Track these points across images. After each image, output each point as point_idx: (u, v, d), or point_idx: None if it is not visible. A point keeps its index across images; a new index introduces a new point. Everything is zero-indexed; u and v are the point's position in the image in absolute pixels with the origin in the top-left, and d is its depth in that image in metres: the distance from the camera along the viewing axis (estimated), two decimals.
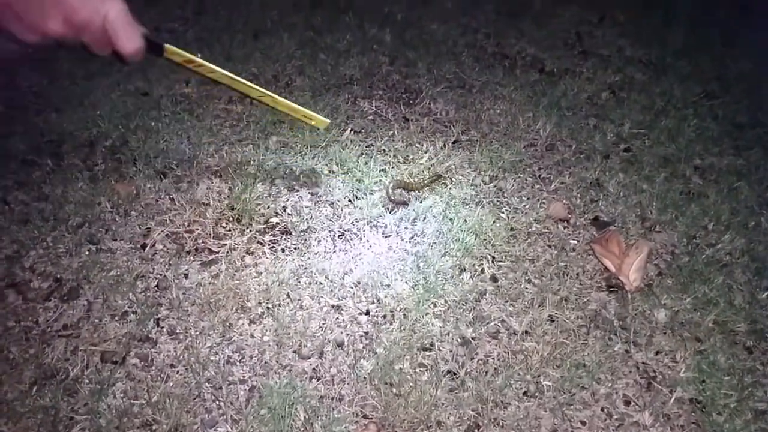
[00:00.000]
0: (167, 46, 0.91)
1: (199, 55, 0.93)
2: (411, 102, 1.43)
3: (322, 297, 1.02)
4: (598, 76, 1.55)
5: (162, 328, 0.97)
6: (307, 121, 1.05)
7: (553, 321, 1.01)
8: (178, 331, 0.96)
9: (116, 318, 0.97)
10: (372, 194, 1.18)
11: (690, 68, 1.60)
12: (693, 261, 1.11)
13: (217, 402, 0.88)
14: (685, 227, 1.17)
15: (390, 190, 1.16)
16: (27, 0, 0.77)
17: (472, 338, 0.98)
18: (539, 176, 1.27)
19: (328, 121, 1.05)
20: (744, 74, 1.61)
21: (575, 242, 1.14)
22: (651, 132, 1.38)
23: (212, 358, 0.93)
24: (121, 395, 0.88)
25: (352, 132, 1.33)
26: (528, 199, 1.21)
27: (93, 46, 0.82)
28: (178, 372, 0.91)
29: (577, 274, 1.08)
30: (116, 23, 0.80)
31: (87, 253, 1.06)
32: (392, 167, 1.25)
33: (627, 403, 0.92)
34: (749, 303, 1.06)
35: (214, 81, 0.99)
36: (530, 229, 1.16)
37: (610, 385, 0.93)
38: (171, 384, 0.89)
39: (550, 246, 1.13)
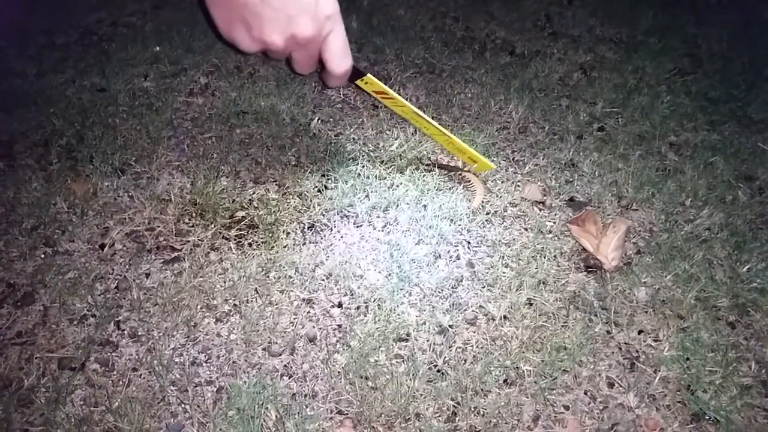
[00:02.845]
0: (368, 75, 0.94)
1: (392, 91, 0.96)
2: None
3: (292, 291, 0.98)
4: (569, 57, 1.52)
5: (123, 330, 0.92)
6: (471, 163, 1.14)
7: (531, 304, 0.97)
8: (140, 333, 0.91)
9: (74, 322, 0.92)
10: (345, 183, 1.14)
11: (661, 45, 1.58)
12: (672, 238, 1.09)
13: (183, 405, 0.83)
14: (663, 204, 1.15)
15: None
16: (262, 10, 0.77)
17: (450, 326, 0.95)
18: (513, 159, 1.24)
19: (494, 166, 1.13)
20: (715, 51, 1.59)
21: (552, 224, 1.11)
22: (624, 110, 1.36)
23: (177, 359, 0.88)
24: (80, 403, 0.83)
25: (319, 121, 1.29)
26: (502, 182, 1.18)
27: (300, 63, 0.84)
28: (140, 375, 0.86)
29: (555, 256, 1.05)
30: (335, 45, 0.82)
31: (42, 256, 1.00)
32: (362, 155, 1.21)
33: (611, 385, 0.89)
34: (730, 278, 1.04)
35: (399, 114, 1.04)
36: (506, 213, 1.12)
37: (592, 367, 0.91)
38: (133, 388, 0.85)
39: (526, 229, 1.10)
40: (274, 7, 0.79)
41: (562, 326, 0.95)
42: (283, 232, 1.06)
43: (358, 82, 0.97)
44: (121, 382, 0.85)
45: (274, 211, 1.08)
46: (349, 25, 1.56)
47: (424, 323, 0.95)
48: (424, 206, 1.11)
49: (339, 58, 0.84)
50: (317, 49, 0.82)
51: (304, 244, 1.05)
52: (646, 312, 0.98)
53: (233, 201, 1.10)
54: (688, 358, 0.92)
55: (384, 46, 1.50)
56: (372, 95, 0.99)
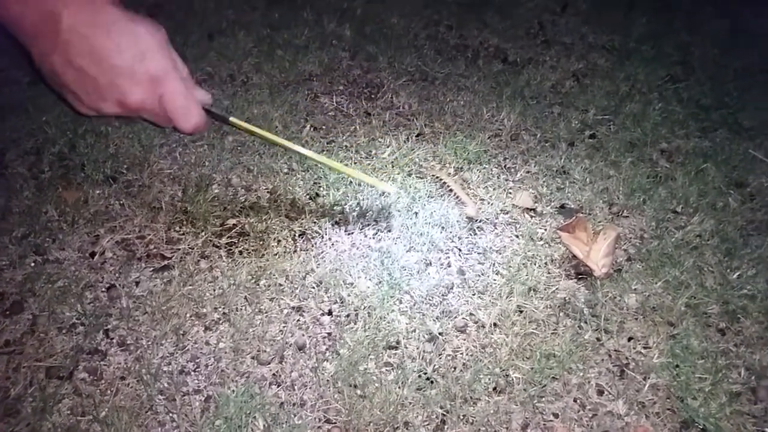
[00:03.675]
0: (232, 119, 0.92)
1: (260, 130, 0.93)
2: (373, 96, 1.40)
3: (282, 299, 0.98)
4: (562, 64, 1.53)
5: (112, 339, 0.91)
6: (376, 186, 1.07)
7: (521, 312, 0.97)
8: (128, 341, 0.91)
9: (63, 331, 0.92)
10: (336, 191, 1.14)
11: (654, 53, 1.59)
12: (662, 244, 1.09)
13: (171, 414, 0.83)
14: (654, 211, 1.15)
15: None
16: (82, 83, 0.76)
17: (440, 334, 0.95)
18: (504, 166, 1.24)
19: (392, 189, 1.07)
20: (708, 58, 1.60)
21: (542, 231, 1.11)
22: (616, 117, 1.36)
23: (165, 368, 0.88)
24: (67, 412, 0.83)
25: (312, 129, 1.29)
26: (494, 189, 1.18)
27: (155, 121, 0.82)
28: (128, 384, 0.86)
29: (545, 263, 1.05)
30: (171, 105, 0.79)
31: (32, 264, 1.00)
32: (354, 163, 1.21)
33: (600, 392, 0.89)
34: (721, 284, 1.04)
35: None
36: (497, 220, 1.12)
37: (581, 374, 0.90)
38: (121, 397, 0.84)
39: (517, 236, 1.10)
40: (93, 80, 0.75)
41: (552, 333, 0.95)
42: (274, 239, 1.06)
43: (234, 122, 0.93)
44: (108, 391, 0.85)
45: (265, 219, 1.08)
46: (343, 33, 1.57)
47: (414, 331, 0.95)
48: (416, 213, 1.11)
49: (181, 117, 0.80)
50: (157, 108, 0.78)
51: (295, 251, 1.04)
52: (636, 319, 0.98)
53: (224, 209, 1.10)
54: (677, 365, 0.91)
55: (377, 54, 1.51)
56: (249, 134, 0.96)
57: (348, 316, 0.96)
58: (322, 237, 1.07)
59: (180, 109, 0.78)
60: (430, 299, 0.99)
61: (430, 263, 1.04)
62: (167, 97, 0.77)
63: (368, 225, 1.09)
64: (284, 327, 0.94)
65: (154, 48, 0.77)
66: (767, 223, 1.15)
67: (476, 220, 1.11)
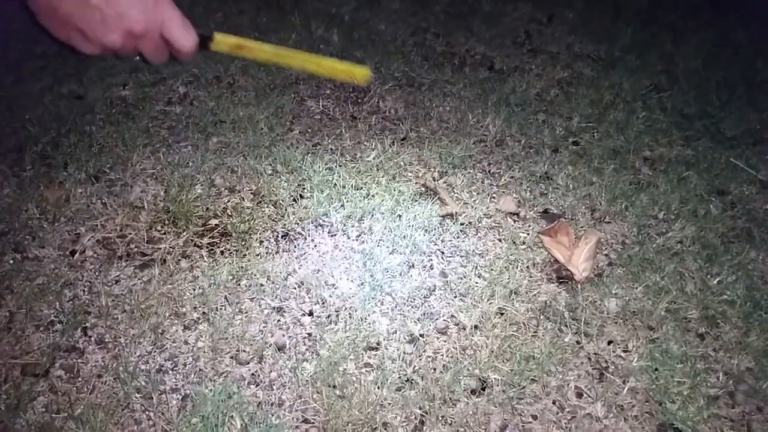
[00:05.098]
0: (216, 34, 0.92)
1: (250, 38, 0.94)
2: (359, 101, 1.40)
3: (262, 299, 0.97)
4: (547, 73, 1.54)
5: (90, 337, 0.91)
6: (350, 78, 1.04)
7: (502, 314, 0.97)
8: (106, 339, 0.90)
9: (41, 328, 0.91)
10: (320, 193, 1.14)
11: (639, 63, 1.60)
12: (644, 250, 1.09)
13: (147, 412, 0.82)
14: (635, 217, 1.16)
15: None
16: (88, 15, 0.77)
17: (421, 335, 0.94)
18: (489, 171, 1.25)
19: (369, 71, 1.03)
20: (691, 69, 1.62)
21: (525, 235, 1.11)
22: (600, 125, 1.37)
23: (142, 366, 0.87)
24: (42, 409, 0.81)
25: (298, 132, 1.29)
26: (478, 194, 1.19)
27: (151, 54, 0.83)
28: (105, 382, 0.85)
29: (527, 267, 1.06)
30: (175, 22, 0.81)
31: (11, 262, 0.99)
32: (339, 166, 1.21)
33: (579, 395, 0.89)
34: (701, 290, 1.04)
35: (262, 61, 0.99)
36: (480, 224, 1.13)
37: (561, 377, 0.90)
38: (97, 395, 0.83)
39: (500, 240, 1.10)
40: (100, 10, 0.78)
41: (532, 336, 0.95)
42: (257, 240, 1.05)
43: (211, 46, 0.94)
44: (85, 389, 0.84)
45: (248, 220, 1.08)
46: (331, 38, 1.57)
47: (395, 332, 0.94)
48: (399, 216, 1.11)
49: (182, 36, 0.83)
50: (158, 35, 0.81)
51: (277, 252, 1.04)
52: (616, 323, 0.98)
53: (207, 209, 1.09)
54: (656, 369, 0.92)
55: (364, 60, 1.51)
56: (230, 54, 0.96)
57: (329, 317, 0.96)
58: (305, 238, 1.07)
59: (182, 28, 0.82)
60: (411, 301, 0.99)
61: (413, 266, 1.04)
62: (168, 23, 0.81)
63: (352, 227, 1.09)
64: (264, 327, 0.94)
65: None
66: (747, 230, 1.16)
67: (455, 218, 1.11)
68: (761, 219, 1.19)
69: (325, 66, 1.01)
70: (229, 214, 1.09)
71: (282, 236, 1.07)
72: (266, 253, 1.04)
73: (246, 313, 0.95)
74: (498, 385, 0.88)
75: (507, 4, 1.80)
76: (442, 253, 1.07)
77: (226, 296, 0.96)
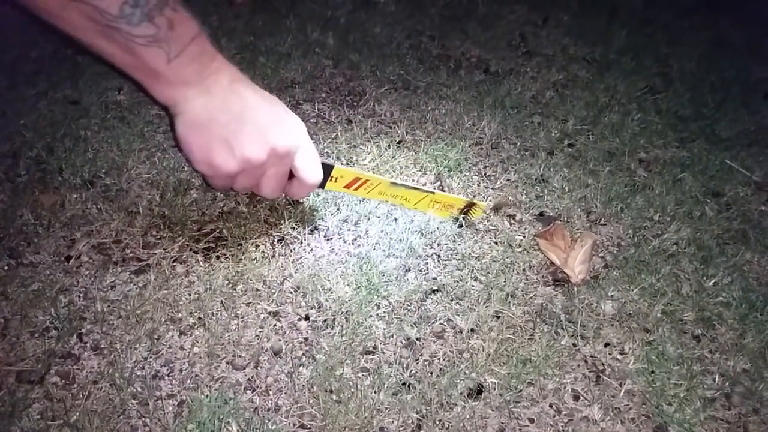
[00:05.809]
0: (336, 167, 0.99)
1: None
2: (355, 104, 1.40)
3: (258, 304, 0.97)
4: (542, 75, 1.54)
5: (85, 343, 0.90)
6: (467, 210, 1.12)
7: (499, 317, 0.97)
8: (102, 345, 0.90)
9: (36, 335, 0.91)
10: (316, 196, 1.14)
11: (634, 65, 1.61)
12: (639, 252, 1.10)
13: (143, 419, 0.82)
14: (631, 219, 1.16)
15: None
16: (242, 129, 0.84)
17: (417, 339, 0.94)
18: (485, 174, 1.25)
19: (483, 205, 1.11)
20: (686, 71, 1.63)
21: (521, 238, 1.11)
22: (595, 127, 1.38)
23: (138, 372, 0.87)
24: (37, 416, 0.81)
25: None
26: (474, 196, 1.19)
27: (273, 181, 0.94)
28: (101, 389, 0.85)
29: (524, 270, 1.06)
30: (311, 153, 0.95)
31: (6, 268, 0.99)
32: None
33: (576, 397, 0.89)
34: (696, 291, 1.04)
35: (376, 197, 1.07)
36: (476, 227, 1.13)
37: (557, 380, 0.91)
38: (93, 401, 0.83)
39: (496, 243, 1.10)
40: (253, 122, 0.86)
41: (529, 339, 0.95)
42: (252, 244, 1.05)
43: (329, 184, 1.01)
44: (80, 395, 0.84)
45: (243, 224, 1.08)
46: (326, 41, 1.57)
47: (392, 336, 0.94)
48: (395, 219, 1.11)
49: (314, 167, 0.91)
50: (291, 162, 0.88)
51: (273, 256, 1.04)
52: (613, 325, 0.98)
53: (203, 214, 1.09)
54: (653, 371, 0.92)
55: (360, 63, 1.51)
56: (349, 193, 1.03)
57: (325, 321, 0.96)
58: (301, 242, 1.07)
59: (315, 160, 0.91)
60: (408, 305, 0.99)
61: (409, 269, 1.04)
62: (305, 148, 0.90)
63: (347, 230, 1.09)
64: (260, 332, 0.93)
65: (288, 109, 0.92)
66: (743, 232, 1.17)
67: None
68: (756, 220, 1.19)
69: (442, 202, 1.07)
70: (225, 218, 1.09)
71: (278, 240, 1.07)
72: (262, 257, 1.04)
73: (242, 318, 0.95)
74: (495, 389, 0.88)
75: (502, 7, 1.80)
76: (438, 256, 1.07)
77: (222, 301, 0.96)
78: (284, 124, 0.87)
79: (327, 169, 1.00)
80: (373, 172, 1.21)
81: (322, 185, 1.03)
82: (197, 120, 0.84)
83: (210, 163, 0.87)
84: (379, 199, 1.05)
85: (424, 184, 1.18)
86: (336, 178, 1.03)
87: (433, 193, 1.07)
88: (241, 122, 0.83)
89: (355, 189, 1.05)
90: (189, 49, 0.79)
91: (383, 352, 0.92)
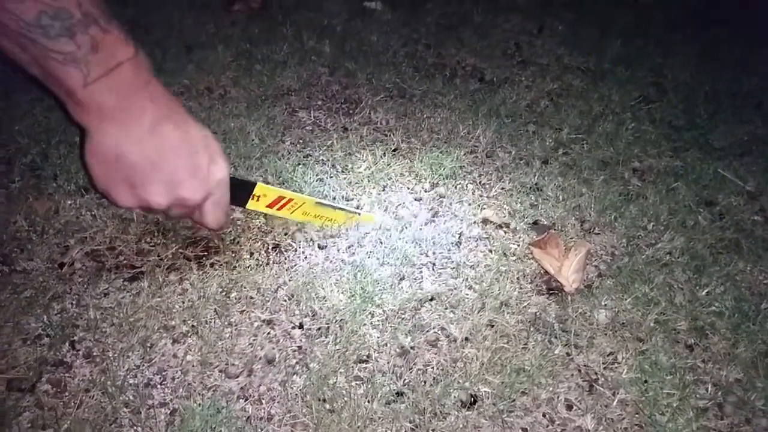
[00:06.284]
0: (259, 184, 0.96)
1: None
2: (350, 112, 1.41)
3: (252, 312, 0.97)
4: (537, 84, 1.55)
5: (78, 351, 0.90)
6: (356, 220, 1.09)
7: (492, 326, 0.98)
8: (95, 353, 0.89)
9: (28, 342, 0.90)
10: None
11: (628, 74, 1.62)
12: (633, 261, 1.10)
13: (135, 427, 0.82)
14: (625, 228, 1.17)
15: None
16: (149, 176, 0.79)
17: (411, 348, 0.94)
18: (480, 182, 1.25)
19: (374, 217, 1.10)
20: (680, 81, 1.64)
21: (515, 246, 1.12)
22: (589, 136, 1.38)
23: (131, 380, 0.86)
24: (28, 425, 0.81)
25: (289, 143, 1.29)
26: (468, 204, 1.19)
27: (176, 216, 0.87)
28: (93, 397, 0.84)
29: (518, 279, 1.06)
30: (221, 204, 0.89)
31: None
32: (330, 177, 1.21)
33: (569, 407, 0.89)
34: (690, 301, 1.05)
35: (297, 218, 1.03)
36: (471, 235, 1.13)
37: (551, 389, 0.91)
38: (85, 410, 0.83)
39: (490, 251, 1.11)
40: (164, 171, 0.79)
41: (523, 348, 0.95)
42: (247, 252, 1.05)
43: (250, 203, 0.99)
44: (72, 404, 0.83)
45: (238, 231, 1.08)
46: (322, 49, 1.58)
47: (386, 345, 0.94)
48: (389, 228, 1.11)
49: (220, 217, 0.88)
50: (196, 207, 0.83)
51: (267, 264, 1.04)
52: (606, 334, 0.99)
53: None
54: (646, 381, 0.92)
55: (356, 71, 1.52)
56: (271, 214, 1.00)
57: (319, 329, 0.95)
58: (296, 250, 1.07)
59: (224, 210, 0.87)
60: (402, 313, 0.99)
61: (403, 278, 1.04)
62: (218, 197, 0.85)
63: (341, 238, 1.09)
64: (254, 340, 0.93)
65: (219, 153, 0.84)
66: (736, 241, 1.17)
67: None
68: (749, 230, 1.20)
69: (364, 220, 1.03)
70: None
71: (273, 248, 1.07)
72: (256, 265, 1.04)
73: (235, 326, 0.95)
74: (488, 398, 0.88)
75: (497, 16, 1.81)
76: (433, 264, 1.07)
77: (215, 309, 0.96)
78: (198, 175, 0.79)
79: (249, 186, 0.97)
80: (368, 180, 1.21)
81: (242, 204, 1.01)
82: (105, 154, 0.77)
83: (108, 195, 0.81)
84: (302, 220, 1.02)
85: (358, 207, 1.16)
86: (258, 197, 0.99)
87: (359, 214, 1.04)
88: (151, 170, 0.76)
89: (278, 209, 1.02)
90: (112, 76, 0.70)
91: (377, 361, 0.92)
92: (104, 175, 0.80)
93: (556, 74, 1.60)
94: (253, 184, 0.98)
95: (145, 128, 0.77)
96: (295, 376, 0.89)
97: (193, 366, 0.89)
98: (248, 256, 1.05)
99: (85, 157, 0.81)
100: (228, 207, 0.84)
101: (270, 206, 0.99)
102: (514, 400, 0.88)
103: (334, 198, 1.15)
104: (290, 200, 0.98)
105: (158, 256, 1.03)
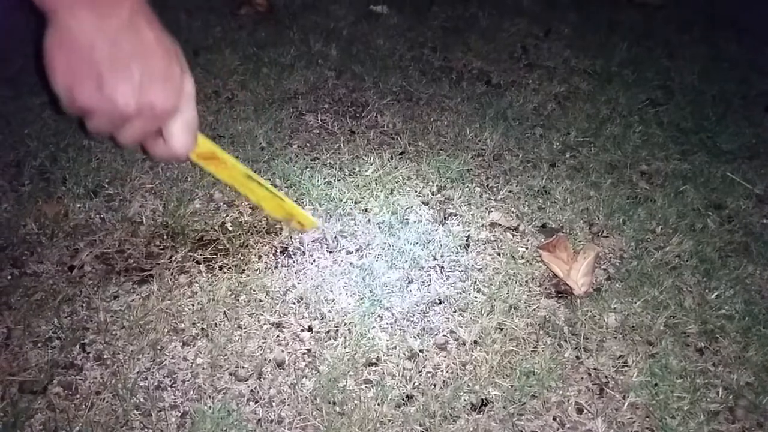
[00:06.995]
0: (198, 134, 0.90)
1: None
2: (357, 115, 1.41)
3: (262, 315, 0.97)
4: (544, 87, 1.55)
5: (88, 353, 0.90)
6: (299, 226, 0.99)
7: (502, 329, 0.97)
8: (105, 356, 0.90)
9: (39, 345, 0.91)
10: (320, 206, 1.14)
11: (635, 77, 1.61)
12: (642, 264, 1.10)
13: (146, 430, 0.82)
14: (633, 231, 1.16)
15: None
16: (122, 73, 0.71)
17: (420, 351, 0.94)
18: (487, 186, 1.25)
19: (317, 223, 1.06)
20: (687, 84, 1.63)
21: (524, 250, 1.12)
22: (597, 139, 1.38)
23: (141, 383, 0.87)
24: (40, 427, 0.81)
25: (296, 146, 1.29)
26: (476, 208, 1.19)
27: (135, 134, 0.76)
28: (104, 399, 0.85)
29: (526, 282, 1.06)
30: (191, 120, 0.78)
31: (9, 277, 0.99)
32: (338, 180, 1.22)
33: (579, 410, 0.89)
34: (699, 304, 1.04)
35: (226, 181, 0.97)
36: (479, 238, 1.13)
37: (561, 392, 0.90)
38: (96, 412, 0.83)
39: (499, 254, 1.11)
40: (138, 69, 0.72)
41: (532, 351, 0.95)
42: (255, 255, 1.05)
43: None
44: (83, 406, 0.84)
45: (246, 235, 1.08)
46: (329, 53, 1.58)
47: (395, 348, 0.94)
48: (398, 231, 1.11)
49: (186, 137, 0.76)
50: (163, 123, 0.76)
51: (276, 267, 1.04)
52: (616, 338, 0.98)
53: (205, 224, 1.09)
54: (656, 384, 0.92)
55: (363, 74, 1.52)
56: (199, 164, 0.94)
57: (328, 332, 0.95)
58: (304, 253, 1.07)
59: (193, 128, 0.78)
60: (410, 316, 0.99)
61: (412, 281, 1.04)
62: (187, 113, 0.77)
63: (349, 241, 1.09)
64: (263, 343, 0.93)
65: (187, 67, 0.79)
66: (744, 244, 1.17)
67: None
68: (758, 233, 1.19)
69: (285, 208, 0.96)
70: (228, 228, 1.09)
71: (281, 251, 1.07)
72: (265, 268, 1.04)
73: (245, 328, 0.95)
74: (498, 402, 0.88)
75: (504, 19, 1.81)
76: (441, 268, 1.07)
77: (225, 312, 0.96)
78: (172, 81, 0.73)
79: None
80: (375, 184, 1.21)
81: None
82: (76, 42, 0.70)
83: (70, 91, 0.76)
84: (229, 183, 0.97)
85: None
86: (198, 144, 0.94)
87: (283, 200, 1.00)
88: (125, 63, 0.70)
89: (206, 162, 0.98)
90: None
91: (386, 364, 0.92)
92: (68, 69, 0.71)
93: (563, 77, 1.60)
94: None
95: (124, 19, 0.70)
96: (304, 379, 0.89)
97: (203, 368, 0.89)
98: (257, 259, 1.05)
99: (48, 49, 0.72)
100: (197, 131, 0.78)
101: (202, 157, 0.94)
102: (524, 404, 0.88)
103: (342, 201, 1.15)
104: (219, 159, 0.93)
105: (167, 259, 1.03)
